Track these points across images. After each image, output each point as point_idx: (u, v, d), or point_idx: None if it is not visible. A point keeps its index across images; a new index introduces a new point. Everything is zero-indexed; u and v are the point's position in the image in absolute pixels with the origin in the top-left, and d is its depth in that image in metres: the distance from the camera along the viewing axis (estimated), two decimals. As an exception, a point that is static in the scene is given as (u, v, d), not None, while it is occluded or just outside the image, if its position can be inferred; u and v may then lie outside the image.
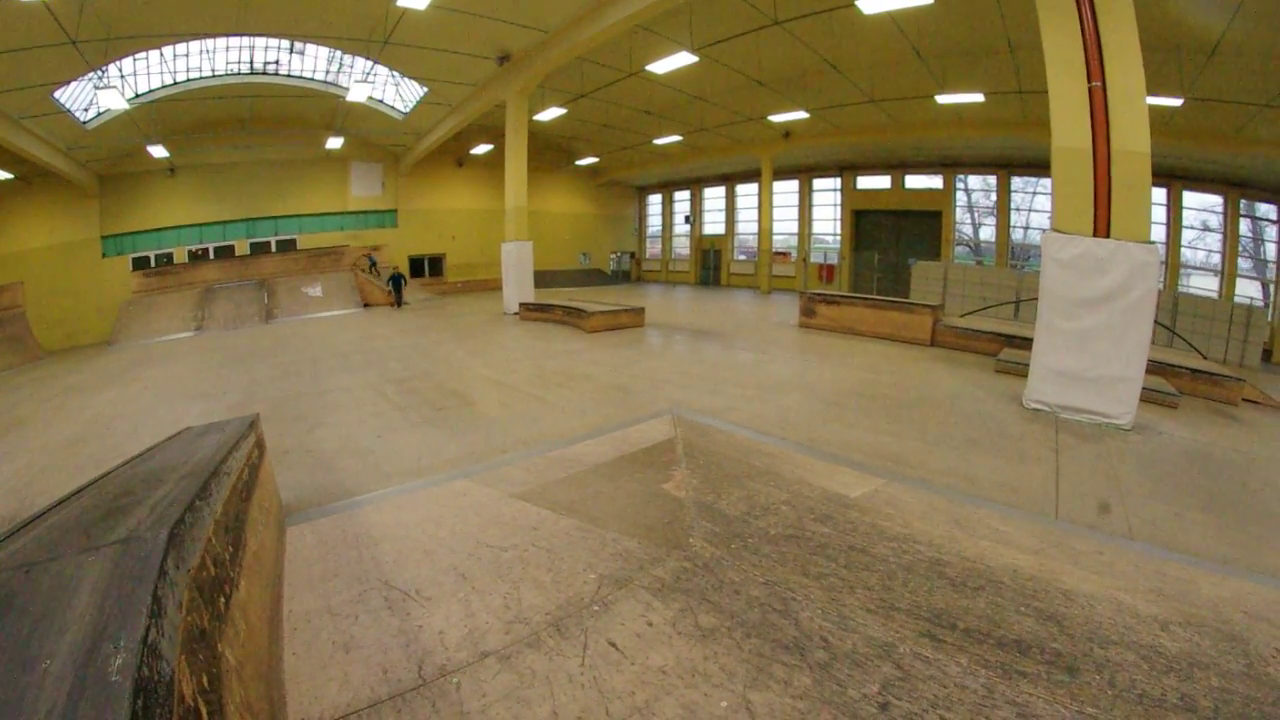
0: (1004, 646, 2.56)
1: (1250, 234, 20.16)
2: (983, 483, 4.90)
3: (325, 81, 18.41)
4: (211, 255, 21.22)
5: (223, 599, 1.46)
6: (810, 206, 26.90)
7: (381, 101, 20.22)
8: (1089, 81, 7.00)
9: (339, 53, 16.82)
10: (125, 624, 1.04)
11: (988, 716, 2.15)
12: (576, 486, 3.91)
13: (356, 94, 15.91)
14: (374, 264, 21.03)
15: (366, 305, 18.63)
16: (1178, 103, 14.43)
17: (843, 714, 2.08)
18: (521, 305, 15.47)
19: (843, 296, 13.83)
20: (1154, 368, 8.60)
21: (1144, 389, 7.18)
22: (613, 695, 2.06)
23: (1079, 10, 6.96)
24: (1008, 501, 4.47)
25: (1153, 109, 12.67)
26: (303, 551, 2.94)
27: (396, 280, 19.12)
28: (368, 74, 17.58)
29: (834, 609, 2.66)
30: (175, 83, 16.53)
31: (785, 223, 27.28)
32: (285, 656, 2.08)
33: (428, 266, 25.99)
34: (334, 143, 21.40)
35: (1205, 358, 12.07)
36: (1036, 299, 7.48)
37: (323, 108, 19.87)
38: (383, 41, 14.98)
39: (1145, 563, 3.66)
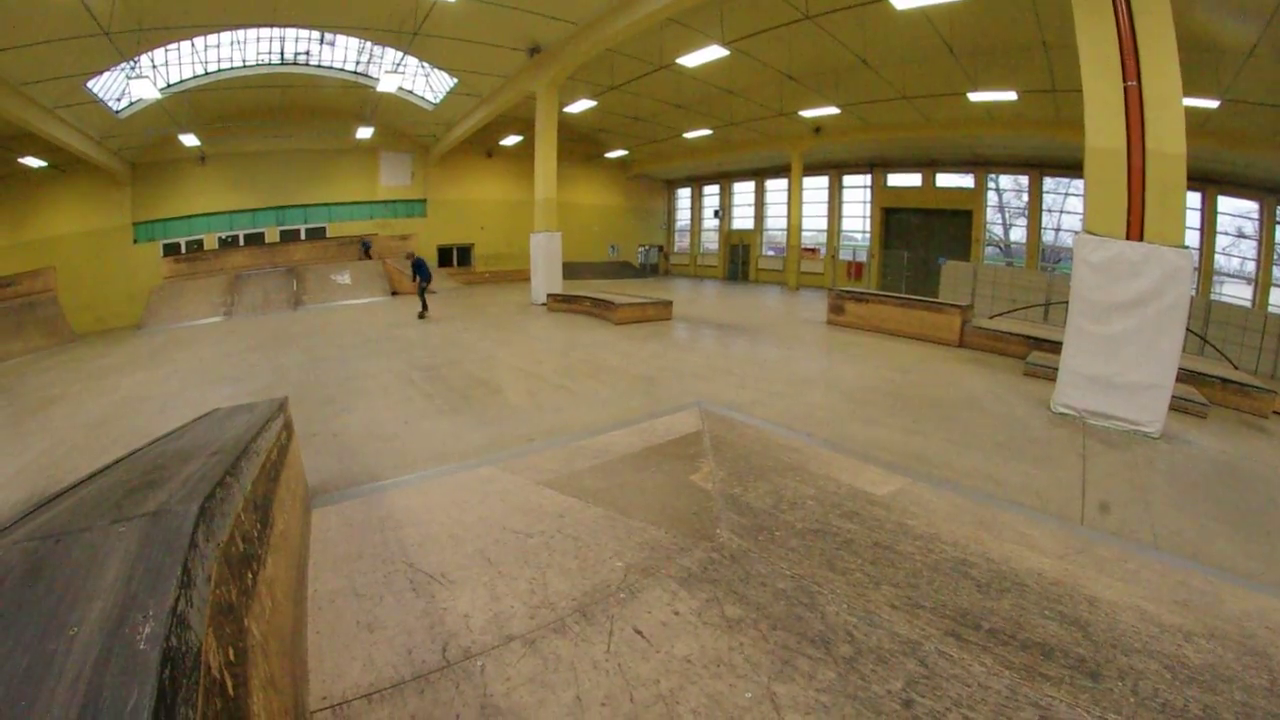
0: (1028, 649, 2.55)
1: None
2: (1009, 486, 4.86)
3: (355, 72, 18.52)
4: (241, 242, 21.44)
5: (250, 575, 1.46)
6: (840, 203, 26.62)
7: (411, 92, 20.28)
8: (1124, 81, 6.86)
9: (369, 44, 16.87)
10: (154, 594, 1.03)
11: (1010, 717, 2.15)
12: (603, 476, 3.91)
13: (387, 85, 15.98)
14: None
15: (395, 293, 18.72)
16: (1214, 104, 14.09)
17: (866, 709, 2.08)
18: (549, 296, 15.50)
19: (871, 294, 13.70)
20: (1184, 376, 8.42)
21: (1173, 397, 7.03)
22: (637, 682, 2.06)
23: (1115, 9, 6.83)
24: (1033, 506, 4.43)
25: (1188, 110, 12.38)
26: (328, 533, 2.96)
27: (419, 266, 14.70)
28: (398, 65, 17.65)
29: (860, 604, 2.64)
30: (206, 73, 16.73)
31: (814, 219, 27.01)
32: (309, 635, 2.09)
33: (456, 256, 26.10)
34: (364, 133, 21.53)
35: (1237, 368, 11.81)
36: (1066, 302, 7.35)
37: (353, 98, 19.99)
38: (413, 33, 15.06)
39: (1170, 573, 3.64)
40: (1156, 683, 2.46)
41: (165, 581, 1.05)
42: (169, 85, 15.97)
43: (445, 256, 25.55)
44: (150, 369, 9.09)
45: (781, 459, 4.52)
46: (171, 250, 20.32)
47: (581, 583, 2.57)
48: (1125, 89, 6.86)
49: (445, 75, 18.81)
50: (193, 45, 15.26)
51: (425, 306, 13.84)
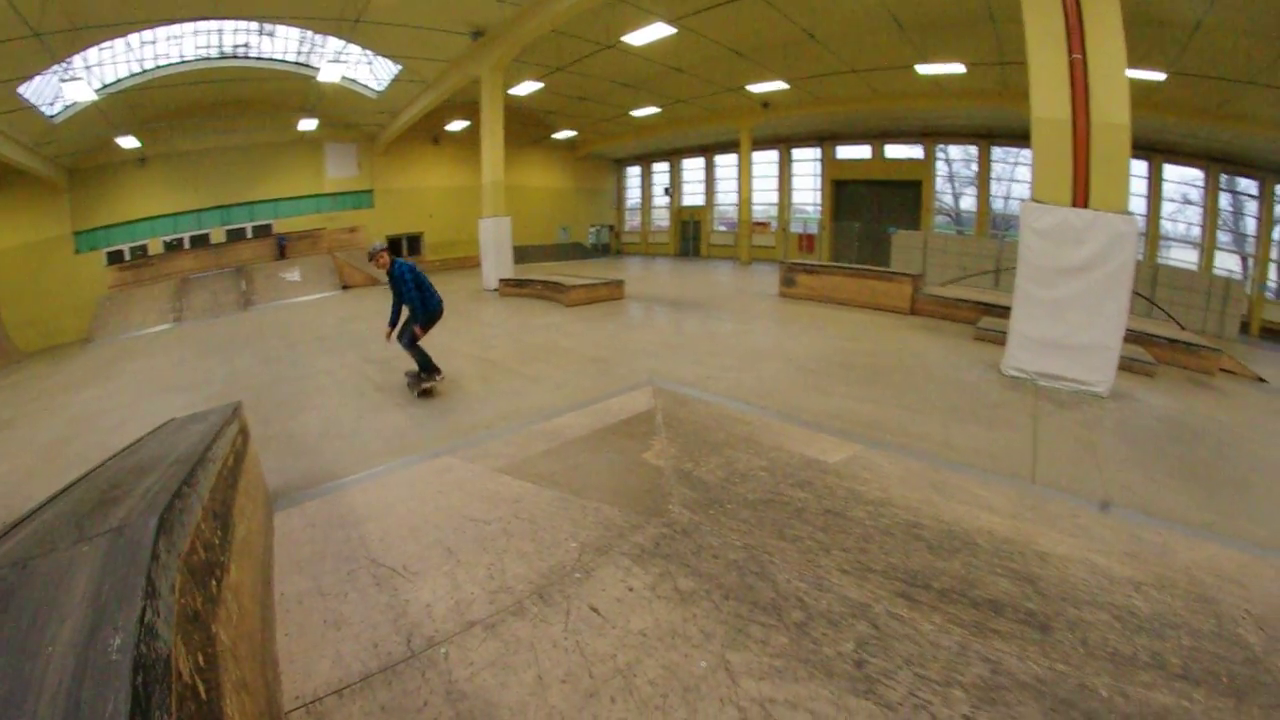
0: (978, 606, 2.66)
1: (1230, 208, 20.42)
2: (961, 448, 4.98)
3: (297, 63, 17.99)
4: (187, 245, 20.82)
5: (214, 582, 1.52)
6: (790, 177, 26.85)
7: (355, 81, 19.80)
8: (1070, 54, 7.00)
9: (310, 33, 16.39)
10: (122, 607, 1.09)
11: (961, 672, 2.23)
12: (558, 459, 3.98)
13: (329, 74, 15.60)
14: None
15: (346, 287, 18.43)
16: (1161, 76, 14.50)
17: (819, 671, 2.17)
18: (501, 281, 15.35)
19: (822, 266, 13.90)
20: (1132, 337, 8.71)
21: (1122, 357, 7.25)
22: (595, 658, 2.13)
23: None
24: (986, 467, 4.54)
25: (1135, 82, 12.79)
26: (291, 534, 3.00)
27: (403, 280, 8.06)
28: (340, 54, 17.20)
29: (810, 571, 2.74)
30: (143, 70, 16.09)
31: (765, 193, 27.18)
32: (278, 637, 2.15)
33: (406, 246, 25.72)
34: (307, 124, 21.01)
35: (1184, 328, 12.26)
36: (1015, 268, 7.55)
37: (295, 89, 19.46)
38: (355, 20, 14.67)
39: (1120, 526, 3.75)
40: (1105, 632, 2.57)
41: (131, 594, 1.11)
42: (104, 86, 15.35)
43: (395, 247, 25.15)
44: (102, 383, 8.89)
45: (734, 432, 4.61)
46: (116, 258, 19.61)
47: (538, 565, 2.64)
48: (1071, 61, 7.01)
49: (389, 62, 18.38)
50: (127, 43, 14.63)
51: (428, 371, 6.53)
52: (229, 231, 21.61)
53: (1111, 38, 6.93)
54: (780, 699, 2.03)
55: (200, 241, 20.99)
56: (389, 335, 6.41)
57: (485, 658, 2.11)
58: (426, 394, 6.27)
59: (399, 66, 18.47)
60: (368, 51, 17.67)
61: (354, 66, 18.82)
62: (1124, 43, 6.94)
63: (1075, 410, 6.31)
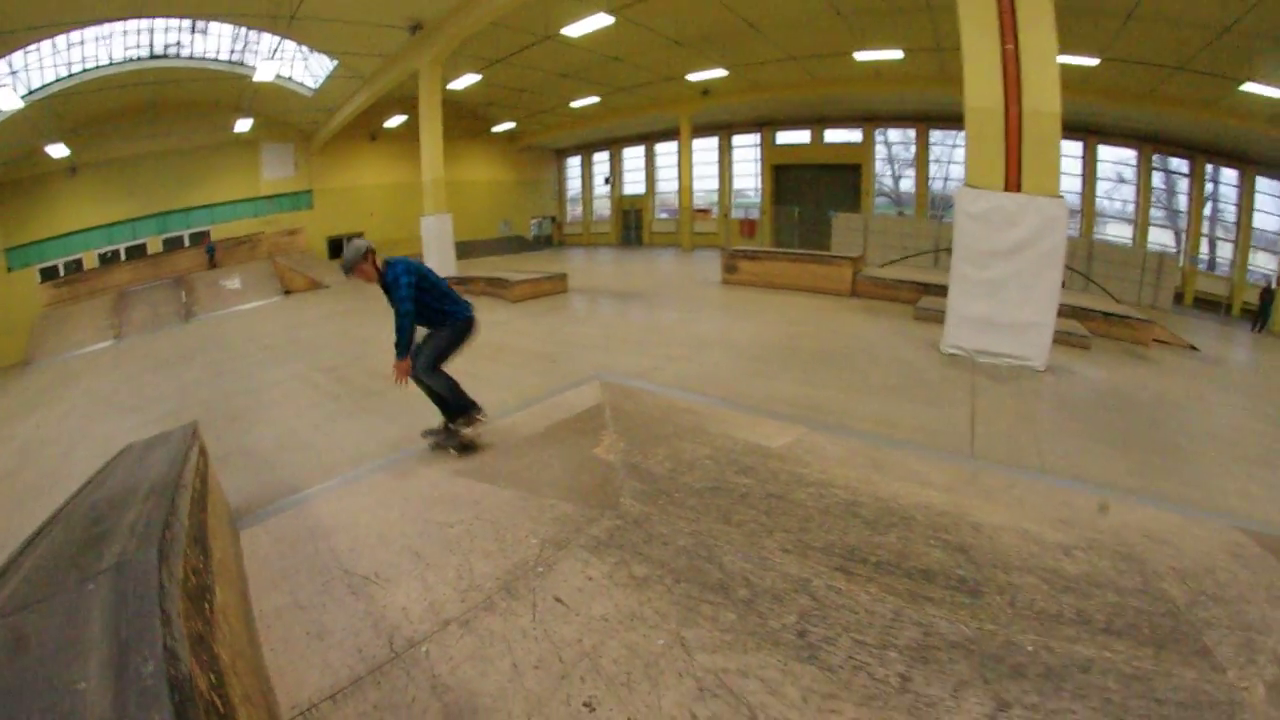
0: (911, 576, 2.82)
1: (1163, 186, 21.47)
2: (902, 426, 5.16)
3: (231, 61, 17.43)
4: (123, 256, 20.10)
5: (207, 605, 1.66)
6: (730, 163, 27.15)
7: (290, 79, 19.29)
8: (1003, 43, 7.20)
9: (244, 30, 15.90)
10: (145, 637, 1.23)
11: (895, 636, 2.39)
12: (513, 458, 4.13)
13: (264, 73, 15.28)
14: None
15: (288, 292, 18.10)
16: (1095, 62, 15.12)
17: (765, 642, 2.33)
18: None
19: (764, 252, 14.20)
20: (1068, 311, 9.09)
21: (1058, 332, 7.57)
22: (563, 644, 2.29)
23: None
24: (925, 443, 4.73)
25: (1070, 67, 13.37)
26: (260, 552, 3.08)
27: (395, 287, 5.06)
28: (275, 51, 16.78)
29: (754, 552, 2.92)
30: (71, 74, 15.42)
31: (706, 180, 27.41)
32: (265, 653, 2.25)
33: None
34: (243, 125, 20.49)
35: (1119, 301, 12.81)
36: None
37: (229, 89, 18.91)
38: (290, 16, 14.29)
39: (1054, 494, 3.93)
40: (1033, 594, 2.71)
41: (149, 624, 1.26)
42: (30, 92, 14.65)
43: (336, 248, 24.63)
44: (46, 408, 8.70)
45: (680, 422, 4.78)
46: (50, 274, 18.81)
47: (503, 562, 2.80)
48: (1004, 51, 7.21)
49: (325, 58, 17.97)
50: (54, 45, 13.98)
51: (464, 411, 4.61)
52: (166, 240, 20.96)
53: (1043, 28, 7.15)
54: (732, 669, 2.19)
55: (136, 252, 20.30)
56: (401, 374, 4.36)
57: (463, 652, 2.26)
58: (469, 448, 4.46)
59: (335, 63, 18.09)
60: (303, 48, 17.25)
61: (289, 64, 18.35)
62: (1055, 32, 7.18)
63: (1012, 385, 6.55)
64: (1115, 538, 3.30)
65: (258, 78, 16.15)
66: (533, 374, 6.98)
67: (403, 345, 4.29)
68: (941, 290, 8.32)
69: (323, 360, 8.63)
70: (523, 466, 3.98)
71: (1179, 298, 19.77)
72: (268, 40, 16.50)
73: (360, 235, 25.49)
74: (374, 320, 11.90)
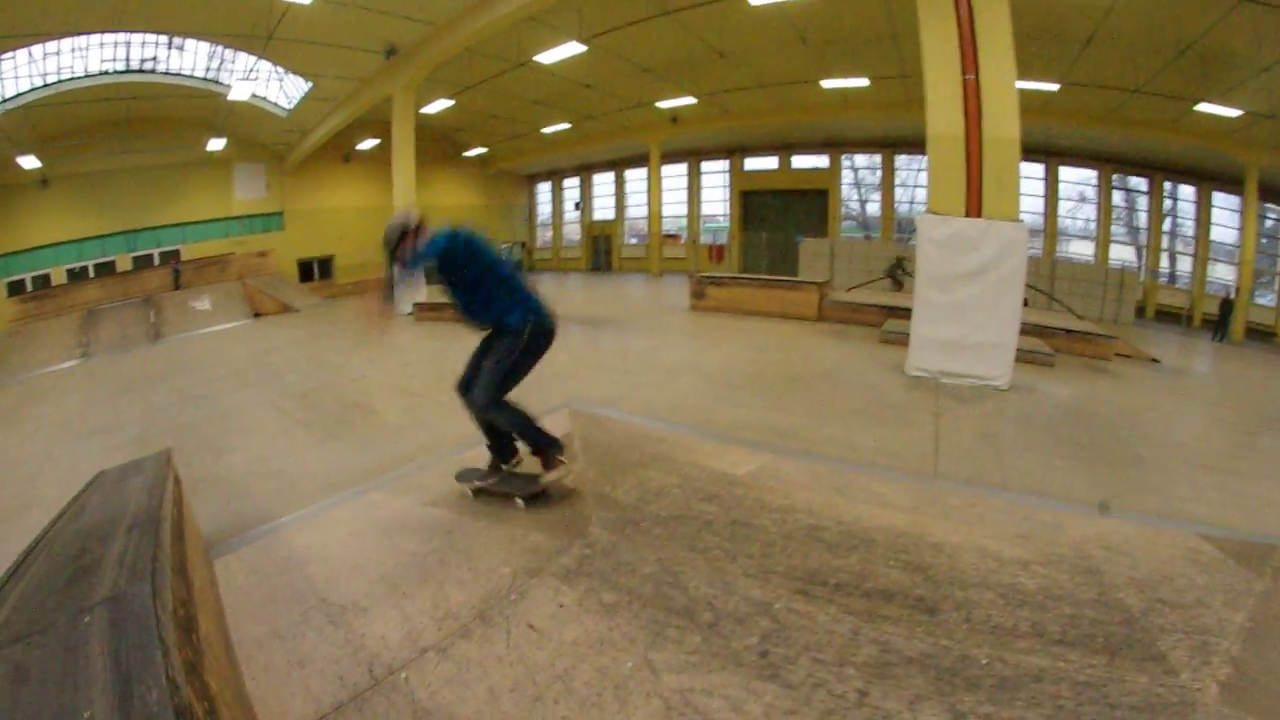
0: (870, 596, 2.87)
1: (1124, 203, 22.37)
2: (866, 449, 5.27)
3: (206, 79, 17.36)
4: (92, 273, 19.73)
5: (194, 636, 1.72)
6: (699, 189, 27.62)
7: (265, 99, 19.25)
8: (964, 75, 7.47)
9: (220, 48, 15.90)
10: (147, 667, 1.30)
11: (853, 654, 2.46)
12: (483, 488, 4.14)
13: (239, 92, 15.26)
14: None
15: (258, 315, 17.93)
16: (1055, 87, 15.79)
17: (729, 662, 2.40)
18: (416, 305, 15.30)
19: (731, 278, 14.47)
20: (1031, 330, 9.32)
21: (1021, 350, 7.78)
22: (537, 668, 2.36)
23: (957, 9, 7.43)
24: (889, 465, 4.84)
25: (1031, 92, 13.90)
26: (236, 581, 3.11)
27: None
28: (250, 71, 16.78)
29: (718, 577, 3.00)
30: (46, 84, 15.26)
31: (675, 205, 27.75)
32: (247, 682, 2.30)
33: (317, 269, 24.98)
34: (216, 144, 20.33)
35: (1081, 318, 13.18)
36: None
37: (204, 107, 18.85)
38: (267, 37, 14.35)
39: (1015, 511, 4.01)
40: (989, 609, 2.77)
41: (150, 655, 1.34)
42: (4, 100, 14.54)
43: (306, 271, 24.39)
44: (10, 428, 8.51)
45: (648, 451, 4.86)
46: (16, 289, 18.39)
47: (477, 591, 2.87)
48: (964, 82, 7.49)
49: (300, 80, 17.99)
50: (30, 54, 13.89)
51: (542, 446, 3.86)
52: (135, 259, 20.59)
53: (1003, 58, 7.44)
54: (698, 688, 2.27)
55: (106, 269, 19.92)
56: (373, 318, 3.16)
57: (442, 677, 2.33)
58: (537, 497, 3.77)
59: (310, 84, 18.12)
60: (279, 68, 17.28)
61: (264, 84, 18.33)
62: (1014, 62, 7.48)
63: (976, 405, 6.72)
64: (1074, 551, 3.38)
65: (232, 97, 16.12)
66: (505, 403, 7.02)
67: (389, 288, 3.58)
68: (907, 312, 8.51)
69: (293, 386, 8.62)
70: (493, 496, 4.02)
71: (1141, 311, 20.51)
72: (244, 60, 16.50)
73: (331, 258, 25.42)
74: (345, 346, 11.90)
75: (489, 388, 3.57)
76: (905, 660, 2.44)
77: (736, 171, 26.62)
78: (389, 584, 2.98)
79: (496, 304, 3.61)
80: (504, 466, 3.89)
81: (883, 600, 2.87)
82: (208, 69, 17.22)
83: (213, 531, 3.93)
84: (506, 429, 3.73)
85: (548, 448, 3.73)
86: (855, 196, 25.57)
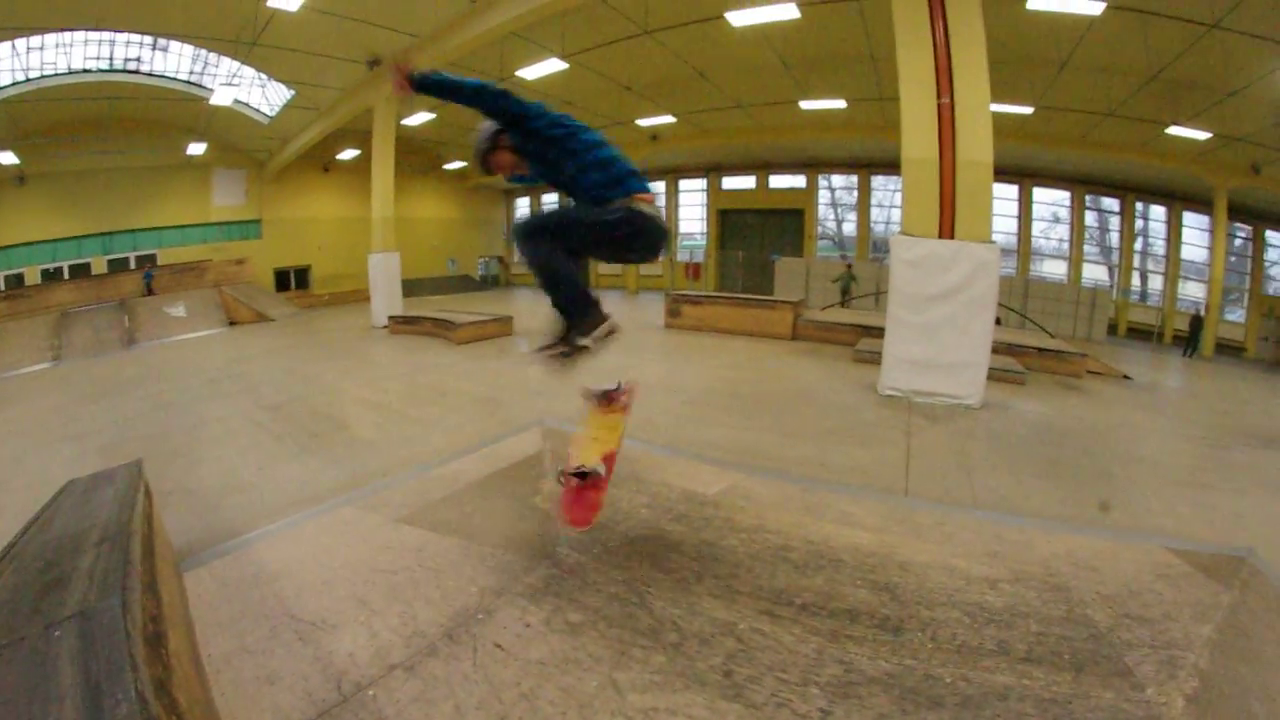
0: (836, 616, 2.89)
1: (1096, 223, 22.97)
2: (837, 468, 5.29)
3: (189, 82, 17.29)
4: (66, 275, 19.42)
5: (164, 651, 1.75)
6: (677, 207, 27.91)
7: (247, 105, 19.19)
8: (939, 98, 7.58)
9: (204, 52, 15.86)
10: (116, 682, 1.33)
11: (817, 674, 2.48)
12: (454, 506, 4.17)
13: (222, 97, 15.18)
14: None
15: (233, 323, 17.77)
16: (1029, 110, 16.23)
17: (693, 682, 2.42)
18: (390, 318, 15.30)
19: (706, 296, 14.59)
20: (1003, 349, 9.44)
21: (993, 369, 7.85)
22: (502, 686, 2.38)
23: (933, 34, 7.54)
24: (860, 484, 4.86)
25: (1005, 115, 14.26)
26: (205, 596, 3.10)
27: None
28: (233, 76, 16.72)
29: (684, 598, 3.02)
30: (28, 79, 15.13)
31: (653, 223, 27.90)
32: (216, 697, 2.30)
33: (294, 279, 24.76)
34: (196, 148, 20.22)
35: (1053, 336, 13.42)
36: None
37: (186, 111, 18.74)
38: (251, 43, 14.36)
39: (985, 529, 4.01)
40: (955, 628, 2.78)
41: (119, 669, 1.37)
42: None
43: (283, 280, 24.18)
44: (-22, 431, 8.32)
45: (618, 470, 4.69)
46: None
47: (445, 610, 2.88)
48: (939, 106, 7.59)
49: (283, 87, 17.97)
50: (13, 47, 13.79)
51: (580, 313, 3.50)
52: (111, 261, 20.27)
53: (977, 82, 7.56)
54: (661, 708, 2.28)
55: (80, 271, 19.61)
56: (397, 75, 3.04)
57: (409, 695, 2.34)
58: (574, 352, 3.56)
59: (293, 92, 18.10)
60: (262, 75, 17.25)
61: (247, 90, 18.29)
62: (989, 86, 7.60)
63: (948, 424, 6.78)
64: (1043, 568, 3.40)
65: (214, 101, 16.02)
66: (477, 419, 7.05)
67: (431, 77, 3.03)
68: (881, 332, 8.57)
69: (266, 398, 8.56)
70: (464, 514, 4.04)
71: (1113, 329, 21.03)
72: (226, 65, 16.45)
73: (308, 268, 25.18)
74: (320, 358, 11.83)
75: (537, 215, 3.10)
76: (869, 680, 2.46)
77: (714, 190, 26.92)
78: (358, 601, 2.98)
79: (594, 176, 3.10)
80: (579, 329, 3.38)
81: (848, 620, 2.89)
82: (191, 72, 17.15)
83: (183, 544, 3.92)
84: (553, 279, 3.17)
85: (590, 310, 3.35)
86: (832, 216, 25.94)
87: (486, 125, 3.29)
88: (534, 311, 18.93)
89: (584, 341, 3.37)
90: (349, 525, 3.97)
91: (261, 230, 24.10)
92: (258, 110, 19.97)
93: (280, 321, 18.06)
